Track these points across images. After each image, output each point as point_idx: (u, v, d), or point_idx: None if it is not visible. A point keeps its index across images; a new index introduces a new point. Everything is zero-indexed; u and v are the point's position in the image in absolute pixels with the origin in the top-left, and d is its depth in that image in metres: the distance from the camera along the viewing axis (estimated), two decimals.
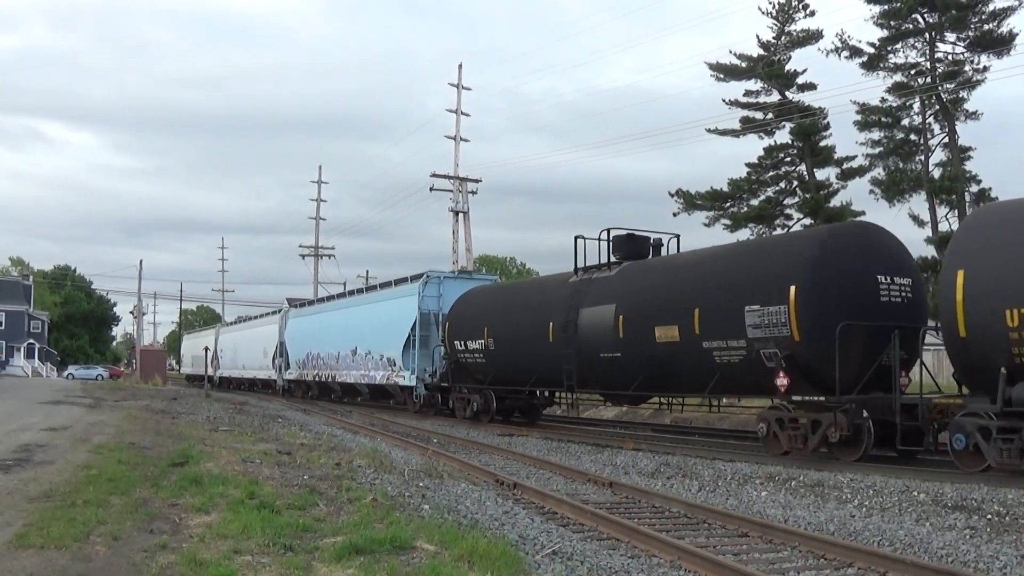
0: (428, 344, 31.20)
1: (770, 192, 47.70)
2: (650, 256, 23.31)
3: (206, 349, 59.26)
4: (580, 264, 24.18)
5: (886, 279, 16.93)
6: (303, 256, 73.46)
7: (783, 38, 46.45)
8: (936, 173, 42.28)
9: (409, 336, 31.69)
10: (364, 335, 35.98)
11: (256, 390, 56.26)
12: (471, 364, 27.68)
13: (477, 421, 27.30)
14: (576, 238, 24.19)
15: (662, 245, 23.83)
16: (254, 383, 57.30)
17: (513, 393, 27.08)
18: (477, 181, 51.53)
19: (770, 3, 46.39)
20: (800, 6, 45.95)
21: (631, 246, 23.27)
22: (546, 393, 26.84)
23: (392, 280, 36.80)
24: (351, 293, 42.02)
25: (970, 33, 40.78)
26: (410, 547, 8.16)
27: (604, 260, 23.62)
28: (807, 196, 45.58)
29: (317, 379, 42.70)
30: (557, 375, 23.17)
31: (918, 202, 42.66)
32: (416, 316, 31.38)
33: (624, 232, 23.67)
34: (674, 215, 47.87)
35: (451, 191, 50.82)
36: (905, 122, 43.56)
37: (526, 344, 24.70)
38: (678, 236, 24.11)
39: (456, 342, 28.14)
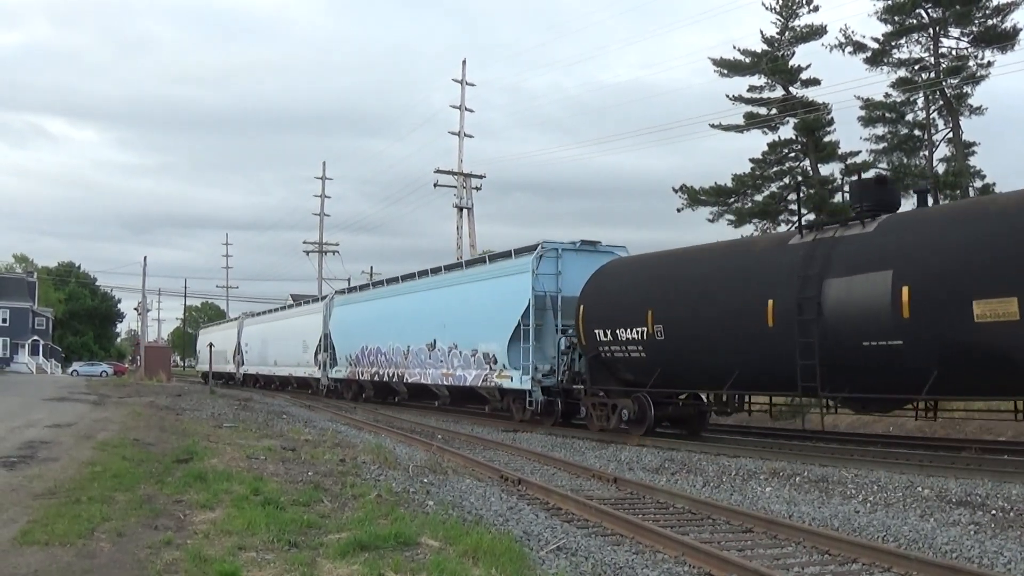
0: (543, 335, 24.52)
1: (774, 187, 47.61)
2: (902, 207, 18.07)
3: (242, 342, 56.25)
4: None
5: None
6: (307, 252, 73.49)
7: (787, 33, 46.27)
8: (940, 168, 42.18)
9: (519, 326, 24.63)
10: (448, 325, 29.26)
11: (290, 390, 50.43)
12: (620, 360, 21.20)
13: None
14: (797, 183, 22.76)
15: (926, 192, 19.50)
16: (288, 382, 51.02)
17: (667, 397, 21.27)
18: (481, 177, 51.56)
19: None
20: (804, 1, 45.82)
21: (882, 194, 17.61)
22: (739, 397, 20.23)
23: (486, 255, 30.87)
24: (427, 273, 32.73)
25: (974, 28, 40.63)
26: (414, 543, 8.16)
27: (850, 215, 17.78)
28: (811, 191, 45.49)
29: (375, 378, 35.69)
30: (781, 373, 17.21)
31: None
32: (529, 299, 24.32)
33: (872, 175, 19.32)
34: (678, 211, 47.73)
35: (455, 187, 50.79)
36: (909, 117, 43.45)
37: (725, 331, 18.39)
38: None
39: (597, 332, 21.60)
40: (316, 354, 43.36)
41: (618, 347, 21.10)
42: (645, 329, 20.24)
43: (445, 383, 29.62)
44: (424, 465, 15.19)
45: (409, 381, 32.53)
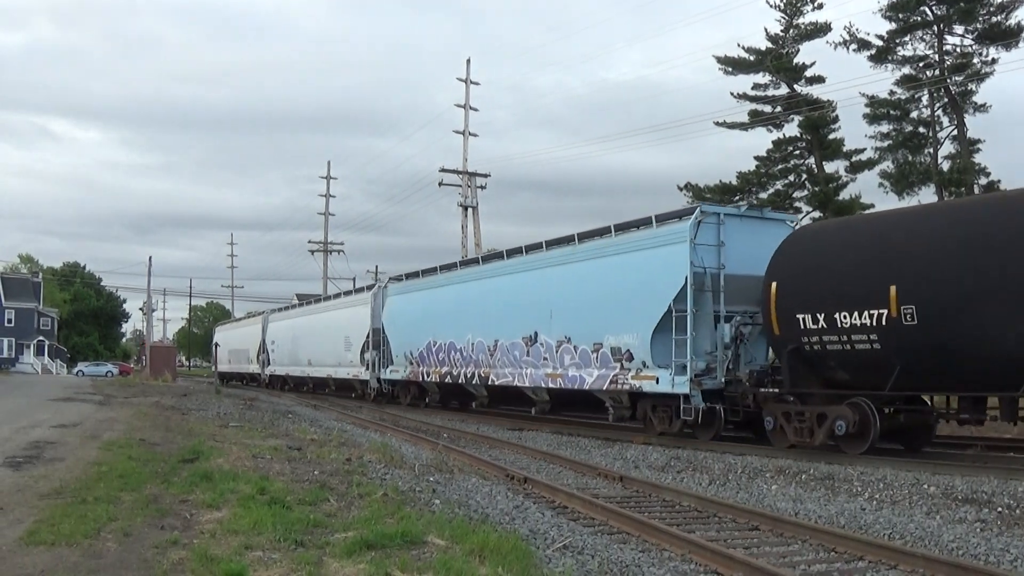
0: (701, 323, 19.48)
1: (779, 185, 47.58)
2: None
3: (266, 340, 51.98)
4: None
5: None
6: (312, 252, 73.44)
7: (791, 31, 46.25)
8: (945, 166, 42.14)
9: (668, 312, 19.58)
10: (558, 314, 23.81)
11: (328, 393, 44.99)
12: (834, 355, 16.67)
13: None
14: None
15: None
16: (323, 384, 45.64)
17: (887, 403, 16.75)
18: (486, 176, 51.50)
19: None
20: None
21: None
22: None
23: (609, 226, 23.07)
24: (521, 251, 26.91)
25: (978, 25, 40.60)
26: (421, 542, 8.16)
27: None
28: (816, 189, 45.48)
29: (446, 380, 30.22)
30: None
31: (927, 195, 42.53)
32: (686, 277, 19.21)
33: None
34: None
35: (460, 186, 50.77)
36: (914, 115, 43.46)
37: None
38: None
39: (801, 318, 17.02)
40: (362, 352, 37.61)
41: (834, 337, 16.54)
42: (883, 312, 15.62)
43: (549, 385, 24.28)
44: (430, 464, 15.20)
45: (496, 383, 26.99)
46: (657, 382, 20.01)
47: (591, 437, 21.34)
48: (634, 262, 21.16)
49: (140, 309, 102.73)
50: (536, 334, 24.74)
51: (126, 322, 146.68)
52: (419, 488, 12.16)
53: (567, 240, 24.57)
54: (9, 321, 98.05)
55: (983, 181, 41.38)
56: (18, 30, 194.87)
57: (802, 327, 17.08)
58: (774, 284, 17.85)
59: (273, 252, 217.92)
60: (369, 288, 39.09)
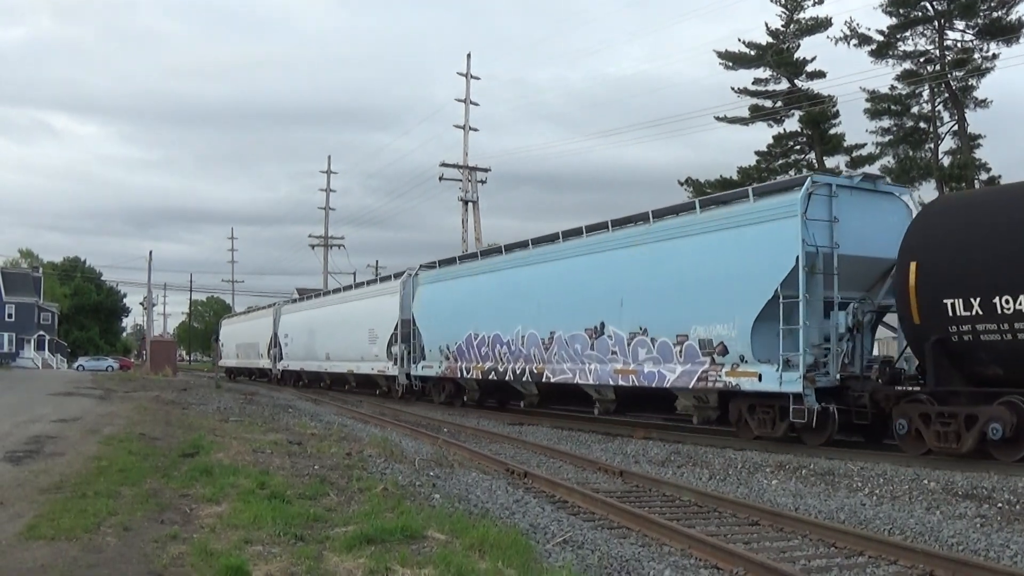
0: (811, 311, 16.92)
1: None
2: None
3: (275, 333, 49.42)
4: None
5: None
6: (312, 246, 73.42)
7: (792, 26, 46.27)
8: (946, 161, 42.18)
9: (775, 298, 17.16)
10: (630, 302, 21.00)
11: (351, 390, 41.78)
12: (989, 346, 14.35)
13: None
14: None
15: None
16: (343, 380, 42.30)
17: None
18: (486, 170, 51.47)
19: None
20: None
21: None
22: None
23: (692, 202, 21.02)
24: (580, 232, 24.05)
25: (979, 21, 40.62)
26: (421, 536, 8.16)
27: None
28: None
29: (490, 376, 27.29)
30: None
31: (928, 190, 42.55)
32: (798, 257, 16.76)
33: None
34: None
35: (460, 181, 50.74)
36: (915, 110, 43.54)
37: None
38: None
39: (950, 303, 14.67)
40: (389, 346, 34.39)
41: (991, 325, 14.21)
42: None
43: (619, 383, 21.45)
44: (430, 458, 15.20)
45: (552, 380, 24.04)
46: (759, 379, 17.45)
47: (591, 432, 21.33)
48: (729, 241, 18.61)
49: (140, 304, 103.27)
50: (603, 325, 21.89)
51: (126, 317, 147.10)
52: (419, 483, 12.15)
53: (639, 219, 21.85)
54: (9, 316, 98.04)
55: (984, 177, 41.41)
56: (18, 25, 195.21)
57: (950, 314, 14.69)
58: (913, 264, 15.27)
59: (273, 247, 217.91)
60: (397, 276, 35.49)
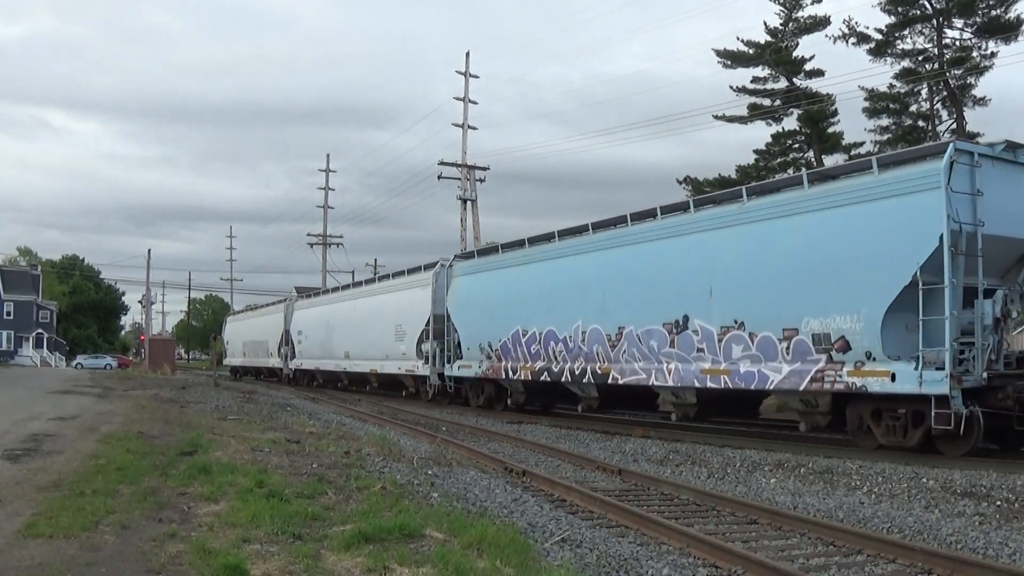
0: (947, 301, 14.81)
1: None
2: None
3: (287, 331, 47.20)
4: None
5: None
6: (311, 245, 73.30)
7: (790, 24, 46.16)
8: None
9: (913, 284, 15.15)
10: (721, 291, 18.67)
11: (373, 391, 39.70)
12: None
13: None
14: None
15: None
16: (364, 380, 40.26)
17: None
18: (485, 169, 51.39)
19: None
20: None
21: None
22: None
23: (799, 175, 19.22)
24: (655, 214, 21.51)
25: (977, 19, 40.54)
26: (419, 535, 8.15)
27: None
28: None
29: (541, 376, 24.73)
30: None
31: None
32: (941, 235, 14.80)
33: None
34: None
35: (459, 179, 50.70)
36: (913, 108, 43.41)
37: None
38: None
39: None
40: (419, 343, 31.96)
41: None
42: None
43: (708, 384, 18.94)
44: (428, 457, 15.19)
45: (620, 381, 21.54)
46: (892, 379, 15.23)
47: (590, 430, 21.32)
48: (851, 219, 16.35)
49: (139, 302, 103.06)
50: (686, 319, 19.41)
51: (125, 315, 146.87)
52: (417, 481, 12.15)
53: (730, 197, 19.79)
54: (8, 314, 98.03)
55: None
56: (17, 21, 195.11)
57: None
58: None
59: (272, 245, 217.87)
60: (429, 267, 32.44)
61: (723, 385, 18.41)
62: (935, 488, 12.21)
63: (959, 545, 9.12)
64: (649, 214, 21.74)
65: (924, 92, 42.68)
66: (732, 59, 46.97)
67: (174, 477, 11.44)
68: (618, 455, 16.88)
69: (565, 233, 25.15)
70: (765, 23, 46.89)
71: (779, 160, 47.34)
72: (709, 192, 40.37)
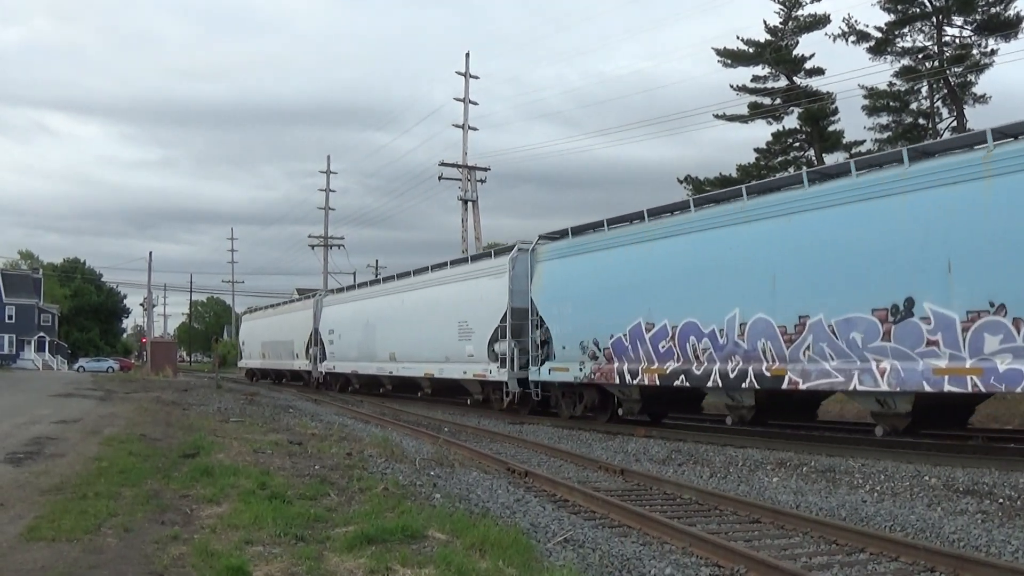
0: None
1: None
2: None
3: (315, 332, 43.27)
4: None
5: None
6: (312, 247, 73.28)
7: (790, 23, 46.21)
8: None
9: None
10: (966, 263, 14.28)
11: (426, 398, 35.09)
12: None
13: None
14: None
15: None
16: (413, 385, 34.72)
17: None
18: (486, 170, 51.40)
19: None
20: None
21: None
22: None
23: None
24: (855, 168, 16.49)
25: (977, 16, 40.57)
26: (421, 536, 8.15)
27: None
28: None
29: (680, 380, 19.41)
30: None
31: None
32: None
33: None
34: None
35: (460, 180, 50.69)
36: (913, 106, 43.48)
37: None
38: None
39: None
40: (491, 343, 26.89)
41: None
42: None
43: (945, 388, 14.28)
44: (431, 458, 15.18)
45: (804, 385, 16.60)
46: None
47: (592, 430, 21.31)
48: None
49: (141, 305, 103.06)
50: (910, 303, 14.97)
51: (127, 317, 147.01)
52: (420, 482, 12.15)
53: (967, 142, 15.44)
54: (10, 317, 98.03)
55: None
56: (16, 25, 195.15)
57: None
58: None
59: (273, 247, 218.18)
60: (502, 252, 27.70)
61: (971, 388, 13.89)
62: (937, 486, 12.20)
63: (962, 543, 9.11)
64: (839, 171, 17.34)
65: (924, 90, 42.74)
66: (732, 58, 47.00)
67: (176, 479, 11.44)
68: (620, 455, 16.88)
69: (705, 200, 20.45)
70: (765, 22, 46.97)
71: (780, 159, 47.36)
72: (708, 190, 39.79)
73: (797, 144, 47.31)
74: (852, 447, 16.16)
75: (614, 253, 22.13)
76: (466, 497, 11.37)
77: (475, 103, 50.99)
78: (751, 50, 46.48)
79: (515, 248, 26.52)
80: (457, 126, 50.89)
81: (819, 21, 45.16)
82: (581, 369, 22.69)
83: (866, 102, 43.16)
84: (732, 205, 19.00)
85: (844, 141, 45.94)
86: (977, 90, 41.65)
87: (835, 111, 45.78)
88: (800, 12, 46.10)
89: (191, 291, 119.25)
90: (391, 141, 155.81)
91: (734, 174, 46.78)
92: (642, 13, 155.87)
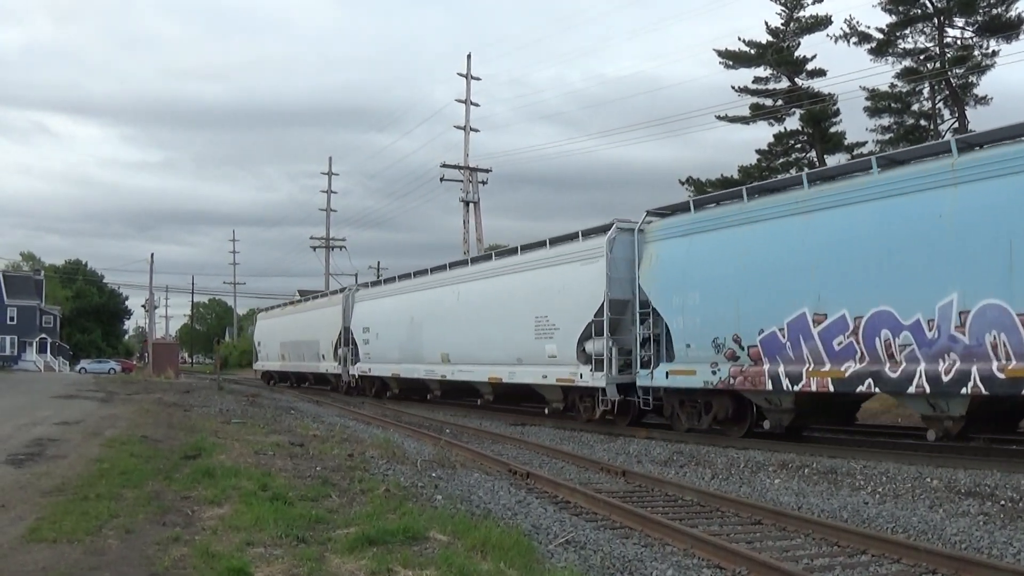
0: None
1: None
2: None
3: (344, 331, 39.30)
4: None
5: None
6: (314, 248, 73.29)
7: (792, 24, 46.19)
8: None
9: None
10: None
11: (487, 405, 29.15)
12: None
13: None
14: None
15: None
16: (473, 391, 29.59)
17: None
18: (487, 171, 51.37)
19: None
20: None
21: None
22: None
23: None
24: None
25: (979, 18, 40.55)
26: (423, 537, 8.15)
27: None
28: None
29: (866, 386, 15.40)
30: None
31: None
32: None
33: None
34: None
35: (461, 181, 50.69)
36: (915, 108, 43.44)
37: None
38: None
39: None
40: (581, 342, 22.38)
41: None
42: None
43: None
44: (432, 459, 15.18)
45: None
46: None
47: (593, 432, 21.29)
48: None
49: (142, 306, 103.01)
50: None
51: (128, 319, 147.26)
52: (421, 484, 12.15)
53: None
54: (11, 319, 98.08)
55: None
56: (16, 27, 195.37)
57: None
58: None
59: (274, 248, 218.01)
60: (593, 233, 23.17)
61: None
62: (939, 488, 12.19)
63: (963, 545, 9.11)
64: None
65: (926, 91, 42.70)
66: (734, 59, 46.98)
67: (178, 481, 11.44)
68: (622, 456, 16.87)
69: (890, 161, 16.42)
70: (766, 23, 46.94)
71: (782, 160, 47.35)
72: (710, 192, 39.58)
73: (799, 145, 47.28)
74: (854, 449, 16.15)
75: (761, 228, 17.99)
76: (468, 498, 11.36)
77: (476, 104, 51.01)
78: (753, 51, 46.47)
79: (613, 227, 21.86)
80: (458, 127, 50.90)
81: (821, 22, 45.14)
82: (715, 372, 18.48)
83: (868, 103, 43.16)
84: (937, 162, 15.06)
85: (846, 143, 45.92)
86: (979, 91, 41.64)
87: (837, 112, 45.75)
88: (802, 13, 46.08)
89: (192, 293, 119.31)
90: (392, 142, 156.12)
91: (736, 175, 46.78)
92: (644, 14, 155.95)
